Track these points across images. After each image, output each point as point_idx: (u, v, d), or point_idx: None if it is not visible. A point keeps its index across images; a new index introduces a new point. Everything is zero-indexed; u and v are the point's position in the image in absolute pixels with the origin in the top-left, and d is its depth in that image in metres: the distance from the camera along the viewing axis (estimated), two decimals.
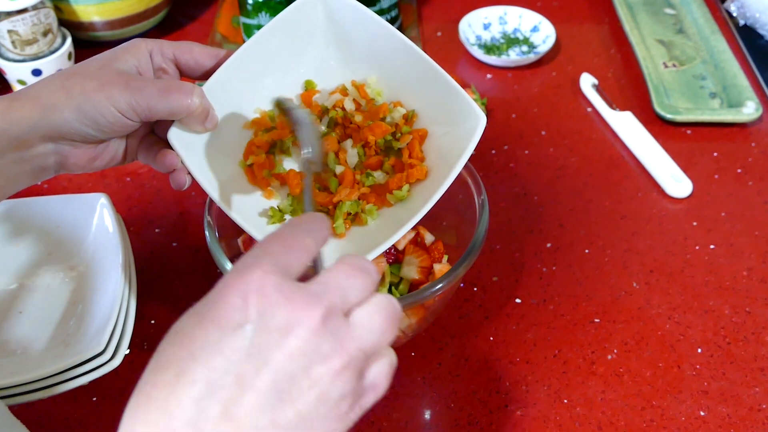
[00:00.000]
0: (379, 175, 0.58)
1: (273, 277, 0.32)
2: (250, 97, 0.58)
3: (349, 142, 0.58)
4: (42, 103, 0.46)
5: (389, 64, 0.57)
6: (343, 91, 0.59)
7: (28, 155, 0.48)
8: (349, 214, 0.57)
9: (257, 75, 0.57)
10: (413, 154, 0.57)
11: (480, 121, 0.52)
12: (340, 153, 0.58)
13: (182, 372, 0.31)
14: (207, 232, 0.60)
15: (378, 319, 0.34)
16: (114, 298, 0.60)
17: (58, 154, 0.49)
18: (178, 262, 0.73)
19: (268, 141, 0.58)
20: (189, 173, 0.54)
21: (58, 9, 0.91)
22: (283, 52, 0.57)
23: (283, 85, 0.59)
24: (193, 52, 0.52)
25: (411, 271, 0.65)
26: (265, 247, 0.34)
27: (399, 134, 0.58)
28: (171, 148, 0.52)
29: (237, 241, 0.67)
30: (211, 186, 0.54)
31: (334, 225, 0.56)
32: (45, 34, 0.86)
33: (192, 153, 0.54)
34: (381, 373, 0.34)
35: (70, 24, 0.93)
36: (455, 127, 0.55)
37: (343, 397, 0.32)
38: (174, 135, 0.52)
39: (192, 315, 0.33)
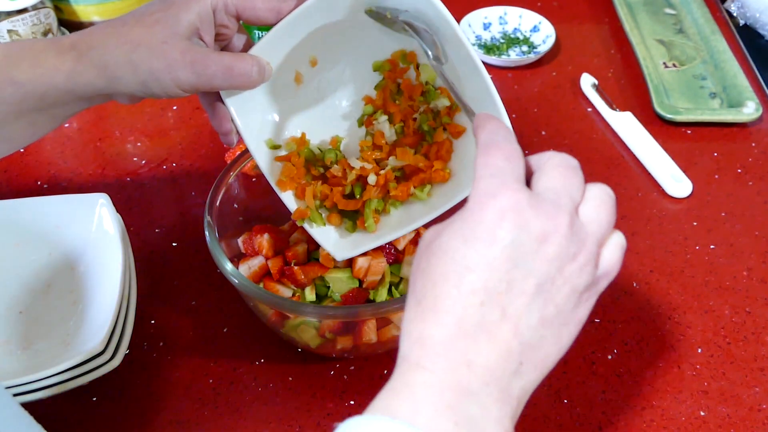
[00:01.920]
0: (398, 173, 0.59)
1: (520, 194, 0.36)
2: (302, 55, 0.58)
3: (386, 122, 0.59)
4: (108, 73, 0.49)
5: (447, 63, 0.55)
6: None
7: (79, 107, 0.53)
8: (377, 210, 0.58)
9: (310, 41, 0.56)
10: (440, 154, 0.57)
11: None
12: (374, 139, 0.59)
13: (461, 283, 0.35)
14: (207, 232, 0.60)
15: (603, 211, 0.38)
16: (114, 298, 0.60)
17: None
18: (178, 262, 0.73)
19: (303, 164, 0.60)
20: (239, 134, 0.56)
21: (58, 9, 0.91)
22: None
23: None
24: (255, 8, 0.53)
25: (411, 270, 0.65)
26: (497, 164, 0.38)
27: (439, 122, 0.58)
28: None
29: (237, 241, 0.67)
30: (259, 153, 0.57)
31: (365, 224, 0.58)
32: (45, 34, 0.86)
33: (245, 115, 0.56)
34: (613, 257, 0.38)
35: (70, 24, 0.93)
36: None
37: (587, 287, 0.37)
38: (229, 100, 0.55)
39: (454, 235, 0.36)
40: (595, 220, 0.38)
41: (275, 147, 0.59)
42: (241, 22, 0.55)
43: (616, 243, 0.39)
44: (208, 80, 0.50)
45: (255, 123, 0.58)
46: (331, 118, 0.61)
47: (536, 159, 0.40)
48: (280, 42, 0.55)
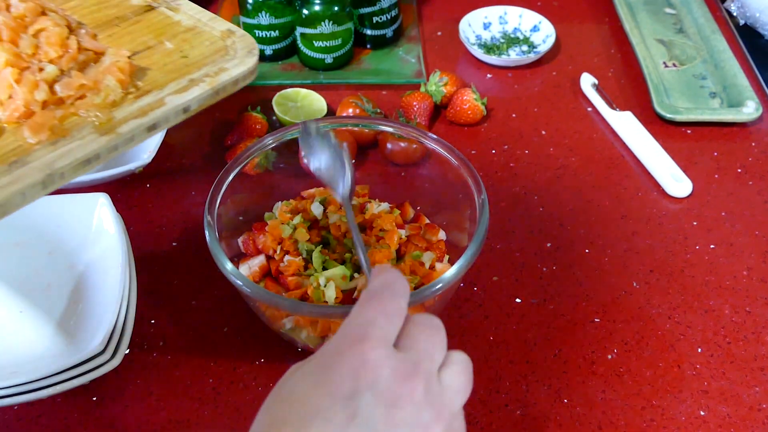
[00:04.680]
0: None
1: (381, 351, 0.34)
2: None
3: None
4: None
5: None
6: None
7: None
8: None
9: None
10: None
11: None
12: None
13: None
14: (207, 232, 0.60)
15: (462, 378, 0.37)
16: (114, 298, 0.60)
17: None
18: (178, 262, 0.73)
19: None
20: None
21: None
22: None
23: None
24: None
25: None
26: (368, 315, 0.36)
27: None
28: None
29: (237, 241, 0.67)
30: None
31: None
32: None
33: None
34: (461, 428, 0.38)
35: None
36: None
37: None
38: None
39: (305, 377, 0.35)
40: (455, 387, 0.37)
41: None
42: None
43: (462, 415, 0.38)
44: None
45: None
46: None
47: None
48: None
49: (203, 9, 0.64)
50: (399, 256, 0.66)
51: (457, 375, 0.37)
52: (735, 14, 1.07)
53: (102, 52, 0.57)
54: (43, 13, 0.58)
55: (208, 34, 0.61)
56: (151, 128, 0.53)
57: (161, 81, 0.56)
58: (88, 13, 0.62)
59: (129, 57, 0.57)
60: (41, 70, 0.54)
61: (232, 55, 0.59)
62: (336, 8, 0.90)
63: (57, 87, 0.53)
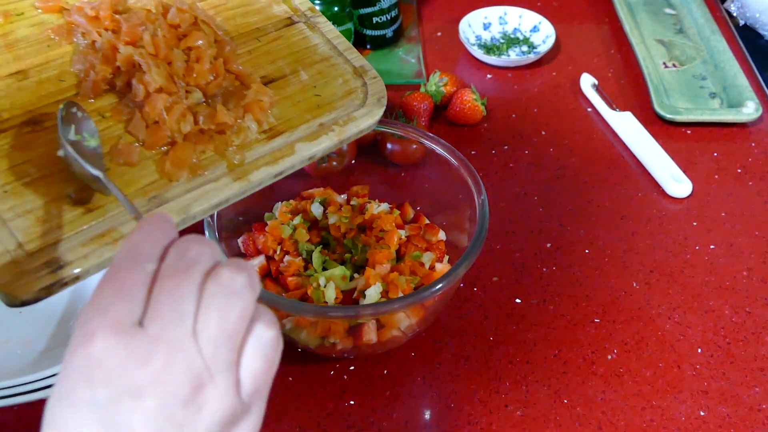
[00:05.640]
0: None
1: (110, 341, 0.30)
2: None
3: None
4: None
5: None
6: None
7: None
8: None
9: None
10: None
11: None
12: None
13: None
14: (207, 232, 0.60)
15: (228, 310, 0.31)
16: None
17: None
18: None
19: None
20: None
21: None
22: None
23: None
24: None
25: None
26: (101, 303, 0.31)
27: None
28: None
29: (237, 241, 0.67)
30: None
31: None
32: None
33: None
34: (256, 366, 0.33)
35: None
36: None
37: (232, 420, 0.31)
38: None
39: (54, 392, 0.31)
40: (216, 334, 0.31)
41: None
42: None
43: (257, 347, 0.32)
44: None
45: None
46: None
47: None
48: None
49: (340, 33, 0.62)
50: (399, 257, 0.66)
51: (218, 312, 0.31)
52: (735, 15, 1.08)
53: (244, 76, 0.55)
54: (195, 24, 0.55)
55: (341, 69, 0.60)
56: (278, 175, 0.53)
57: (294, 121, 0.55)
58: (232, 17, 0.60)
59: (266, 84, 0.56)
60: (188, 93, 0.51)
61: (362, 101, 0.58)
62: (336, 8, 0.90)
63: (200, 118, 0.51)
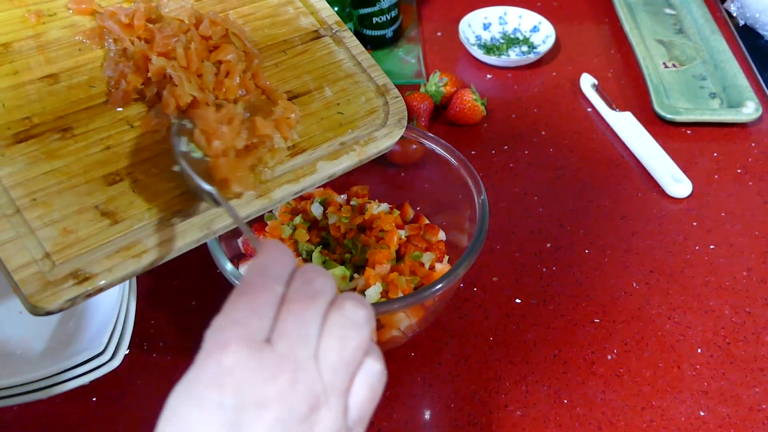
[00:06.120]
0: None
1: (242, 353, 0.32)
2: None
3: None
4: None
5: None
6: None
7: None
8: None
9: None
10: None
11: None
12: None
13: None
14: None
15: (347, 345, 0.34)
16: (114, 298, 0.60)
17: None
18: (178, 262, 0.72)
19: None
20: None
21: None
22: None
23: None
24: None
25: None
26: (235, 316, 0.34)
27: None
28: None
29: (237, 241, 0.67)
30: None
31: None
32: None
33: None
34: (361, 397, 0.35)
35: None
36: None
37: None
38: None
39: (179, 392, 0.34)
40: (336, 361, 0.33)
41: None
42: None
43: (366, 378, 0.35)
44: None
45: None
46: None
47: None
48: None
49: (364, 49, 0.62)
50: (399, 257, 0.66)
51: (339, 342, 0.34)
52: (735, 15, 1.08)
53: (271, 91, 0.55)
54: (226, 36, 0.55)
55: (364, 87, 0.59)
56: (298, 193, 0.52)
57: (316, 138, 0.55)
58: (260, 27, 0.60)
59: (290, 99, 0.55)
60: (218, 108, 0.50)
61: (383, 120, 0.58)
62: (335, 9, 0.90)
63: (243, 132, 0.50)
